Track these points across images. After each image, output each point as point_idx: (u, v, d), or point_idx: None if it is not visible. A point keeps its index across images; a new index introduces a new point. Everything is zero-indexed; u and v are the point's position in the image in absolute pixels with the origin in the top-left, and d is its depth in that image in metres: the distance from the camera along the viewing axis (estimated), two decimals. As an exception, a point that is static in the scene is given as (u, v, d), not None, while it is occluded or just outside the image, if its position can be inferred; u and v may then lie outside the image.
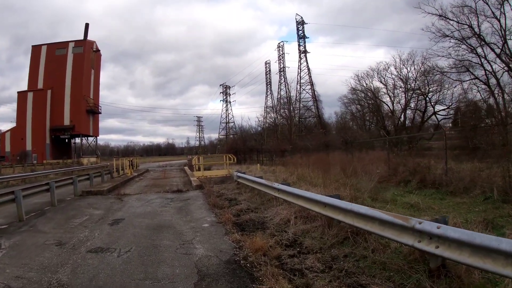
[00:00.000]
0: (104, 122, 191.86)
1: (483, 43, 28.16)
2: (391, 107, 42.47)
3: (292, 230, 7.37)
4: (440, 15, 29.13)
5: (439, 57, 31.14)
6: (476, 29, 27.98)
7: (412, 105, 40.14)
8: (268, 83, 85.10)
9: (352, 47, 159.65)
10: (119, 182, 19.20)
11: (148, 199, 13.12)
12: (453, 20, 28.76)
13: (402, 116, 41.26)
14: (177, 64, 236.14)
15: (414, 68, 39.19)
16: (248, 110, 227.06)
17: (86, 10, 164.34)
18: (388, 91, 42.43)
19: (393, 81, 41.71)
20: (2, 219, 9.92)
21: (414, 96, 39.47)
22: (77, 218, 9.83)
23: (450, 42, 29.53)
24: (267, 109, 78.84)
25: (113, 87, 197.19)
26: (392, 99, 42.01)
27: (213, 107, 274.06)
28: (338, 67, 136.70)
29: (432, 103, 38.16)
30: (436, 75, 35.32)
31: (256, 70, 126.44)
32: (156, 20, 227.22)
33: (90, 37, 70.48)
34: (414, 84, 39.27)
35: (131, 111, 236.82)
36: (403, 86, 40.56)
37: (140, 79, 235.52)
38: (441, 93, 37.09)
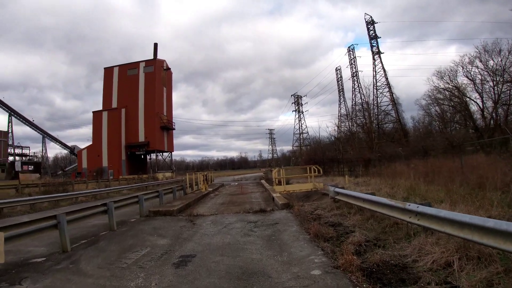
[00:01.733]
0: (180, 139, 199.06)
1: None
2: (480, 105, 36.32)
3: (465, 283, 4.37)
4: None
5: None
6: None
7: (506, 99, 34.11)
8: (341, 90, 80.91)
9: (422, 46, 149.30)
10: (192, 200, 16.93)
11: (225, 223, 10.48)
12: None
13: (494, 113, 35.24)
14: (246, 79, 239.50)
15: (503, 58, 33.38)
16: (320, 120, 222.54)
17: (155, 35, 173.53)
18: (476, 87, 36.49)
19: (480, 76, 35.92)
20: (45, 247, 8.02)
21: (506, 89, 33.69)
22: (134, 250, 7.44)
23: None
24: (341, 117, 74.72)
25: (187, 106, 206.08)
26: (482, 95, 36.03)
27: (283, 120, 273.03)
28: (409, 69, 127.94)
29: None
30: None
31: (324, 79, 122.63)
32: (222, 38, 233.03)
33: (161, 58, 71.84)
34: (503, 77, 33.48)
35: (205, 127, 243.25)
36: (492, 80, 34.71)
37: (211, 97, 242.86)
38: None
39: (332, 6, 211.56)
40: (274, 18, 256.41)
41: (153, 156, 71.65)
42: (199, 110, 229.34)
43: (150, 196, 15.14)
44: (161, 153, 72.61)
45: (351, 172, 34.32)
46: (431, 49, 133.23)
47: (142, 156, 71.88)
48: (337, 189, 11.59)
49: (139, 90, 67.27)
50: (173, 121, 75.14)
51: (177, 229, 9.83)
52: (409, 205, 6.89)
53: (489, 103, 35.86)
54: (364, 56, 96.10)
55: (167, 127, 70.78)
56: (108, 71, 70.40)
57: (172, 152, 76.54)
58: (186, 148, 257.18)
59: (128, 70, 69.03)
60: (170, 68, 74.54)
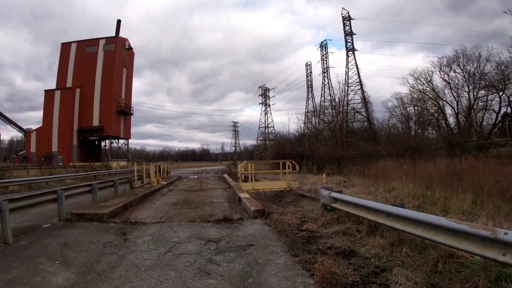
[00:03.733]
0: (142, 127, 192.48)
1: None
2: (455, 108, 36.31)
3: None
4: None
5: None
6: None
7: (481, 105, 34.56)
8: (309, 86, 78.66)
9: (391, 51, 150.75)
10: (137, 197, 13.26)
11: (173, 241, 6.91)
12: None
13: (468, 118, 35.15)
14: (214, 70, 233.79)
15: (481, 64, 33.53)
16: (287, 116, 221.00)
17: (125, 17, 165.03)
18: (452, 90, 36.46)
19: (456, 80, 35.97)
20: None
21: (483, 95, 33.92)
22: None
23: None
24: (308, 114, 72.43)
25: (151, 93, 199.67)
26: (457, 99, 36.03)
27: (248, 113, 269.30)
28: (377, 72, 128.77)
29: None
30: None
31: (292, 75, 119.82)
32: (193, 27, 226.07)
33: (124, 37, 66.47)
34: (480, 83, 33.65)
35: (168, 116, 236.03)
36: (468, 84, 34.79)
37: (177, 86, 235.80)
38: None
39: (306, 4, 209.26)
40: (248, 10, 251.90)
41: (108, 142, 66.14)
42: (163, 99, 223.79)
43: (78, 191, 11.39)
44: (116, 140, 67.26)
45: (319, 169, 31.75)
46: (399, 54, 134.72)
47: (96, 142, 65.91)
48: (335, 195, 8.29)
49: (96, 70, 61.50)
50: (133, 106, 69.90)
51: (97, 250, 6.29)
52: (506, 233, 3.82)
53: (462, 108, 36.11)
54: (335, 55, 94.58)
55: (125, 112, 65.30)
56: (66, 46, 63.78)
57: (129, 140, 71.30)
58: (148, 137, 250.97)
59: (87, 47, 62.92)
60: (132, 48, 68.87)
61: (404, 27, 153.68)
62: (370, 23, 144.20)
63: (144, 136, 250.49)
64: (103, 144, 67.75)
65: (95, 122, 60.60)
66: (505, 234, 3.86)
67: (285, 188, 17.11)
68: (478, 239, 4.18)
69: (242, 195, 12.78)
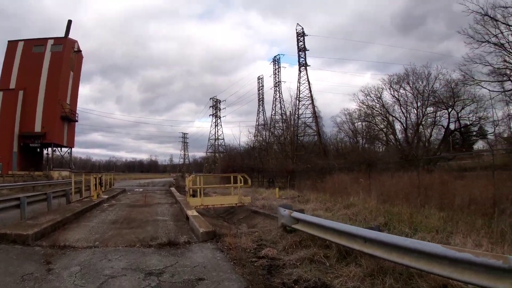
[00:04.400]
0: (88, 136, 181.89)
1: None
2: (404, 124, 37.77)
3: None
4: (485, 14, 23.28)
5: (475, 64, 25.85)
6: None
7: (429, 120, 36.34)
8: (261, 99, 78.54)
9: (341, 69, 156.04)
10: (71, 214, 11.57)
11: (105, 273, 5.59)
12: (499, 22, 23.21)
13: (417, 133, 36.80)
14: (166, 80, 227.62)
15: (428, 82, 35.49)
16: (237, 128, 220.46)
17: (78, 20, 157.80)
18: (402, 107, 37.80)
19: (406, 97, 37.61)
20: None
21: (431, 112, 35.77)
22: None
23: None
24: (259, 127, 72.13)
25: (100, 101, 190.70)
26: (406, 115, 37.48)
27: (199, 125, 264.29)
28: (327, 88, 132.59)
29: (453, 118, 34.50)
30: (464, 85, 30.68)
31: (244, 89, 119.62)
32: (148, 35, 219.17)
33: (74, 38, 62.44)
34: (429, 100, 35.43)
35: (116, 125, 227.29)
36: (417, 101, 36.51)
37: (127, 94, 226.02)
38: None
39: (262, 19, 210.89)
40: (204, 22, 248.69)
41: (51, 150, 61.33)
42: (112, 107, 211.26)
43: (5, 206, 9.71)
44: (59, 148, 62.68)
45: (270, 183, 31.11)
46: (349, 72, 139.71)
47: (38, 150, 61.03)
48: (297, 215, 7.28)
49: (42, 71, 56.76)
50: (78, 112, 65.60)
51: (13, 286, 4.87)
52: None
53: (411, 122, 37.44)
54: (287, 70, 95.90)
55: (69, 118, 60.81)
56: (12, 45, 58.62)
57: (73, 148, 66.75)
58: (94, 146, 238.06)
59: (34, 46, 58.17)
60: (81, 51, 64.94)
61: (355, 46, 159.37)
62: (323, 41, 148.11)
63: (90, 145, 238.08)
64: (45, 152, 62.86)
65: (37, 128, 55.76)
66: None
67: (236, 204, 16.03)
68: (485, 269, 3.48)
69: (189, 212, 11.51)
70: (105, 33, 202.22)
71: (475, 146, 38.17)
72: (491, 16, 23.06)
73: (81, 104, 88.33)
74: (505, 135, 29.91)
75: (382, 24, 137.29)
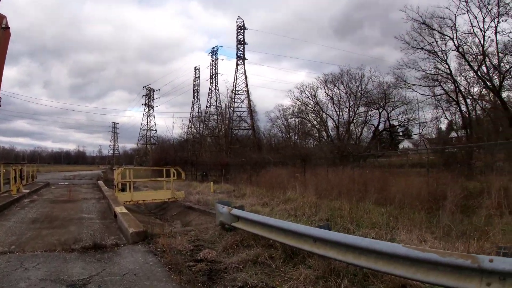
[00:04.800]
0: (12, 123, 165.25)
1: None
2: (336, 122, 40.04)
3: None
4: (423, 22, 24.99)
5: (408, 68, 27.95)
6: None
7: (361, 119, 38.89)
8: (196, 90, 77.00)
9: (277, 66, 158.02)
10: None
11: (19, 287, 4.62)
12: (435, 31, 25.00)
13: (348, 131, 39.08)
14: (98, 65, 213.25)
15: (361, 83, 37.89)
16: (171, 119, 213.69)
17: None
18: (335, 105, 40.02)
19: (338, 95, 39.97)
20: None
21: (363, 111, 38.23)
22: None
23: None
24: (193, 119, 70.71)
25: (26, 85, 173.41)
26: (338, 113, 39.69)
27: (130, 115, 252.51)
28: (264, 83, 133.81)
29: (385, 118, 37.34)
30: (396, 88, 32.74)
31: (179, 79, 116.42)
32: (83, 16, 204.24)
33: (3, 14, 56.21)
34: (361, 99, 37.88)
35: (42, 112, 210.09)
36: (349, 100, 38.88)
37: (56, 78, 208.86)
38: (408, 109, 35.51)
39: (203, 10, 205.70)
40: (142, 7, 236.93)
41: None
42: (40, 92, 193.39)
43: None
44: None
45: (204, 176, 30.43)
46: (285, 69, 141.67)
47: None
48: (237, 212, 6.71)
49: None
50: (1, 96, 59.71)
51: None
52: (491, 260, 2.82)
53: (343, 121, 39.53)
54: (224, 63, 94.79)
55: (-12, 102, 55.35)
56: None
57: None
58: (19, 134, 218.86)
59: None
60: (9, 28, 59.00)
61: (292, 44, 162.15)
62: (262, 36, 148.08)
63: (15, 134, 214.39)
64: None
65: (-51, 111, 49.98)
66: (491, 261, 2.98)
67: (169, 199, 15.19)
68: (452, 269, 3.26)
69: (118, 209, 10.51)
70: (38, 12, 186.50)
71: (401, 145, 40.69)
72: (428, 25, 24.53)
73: (5, 88, 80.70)
74: (434, 136, 31.92)
75: (321, 25, 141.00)
